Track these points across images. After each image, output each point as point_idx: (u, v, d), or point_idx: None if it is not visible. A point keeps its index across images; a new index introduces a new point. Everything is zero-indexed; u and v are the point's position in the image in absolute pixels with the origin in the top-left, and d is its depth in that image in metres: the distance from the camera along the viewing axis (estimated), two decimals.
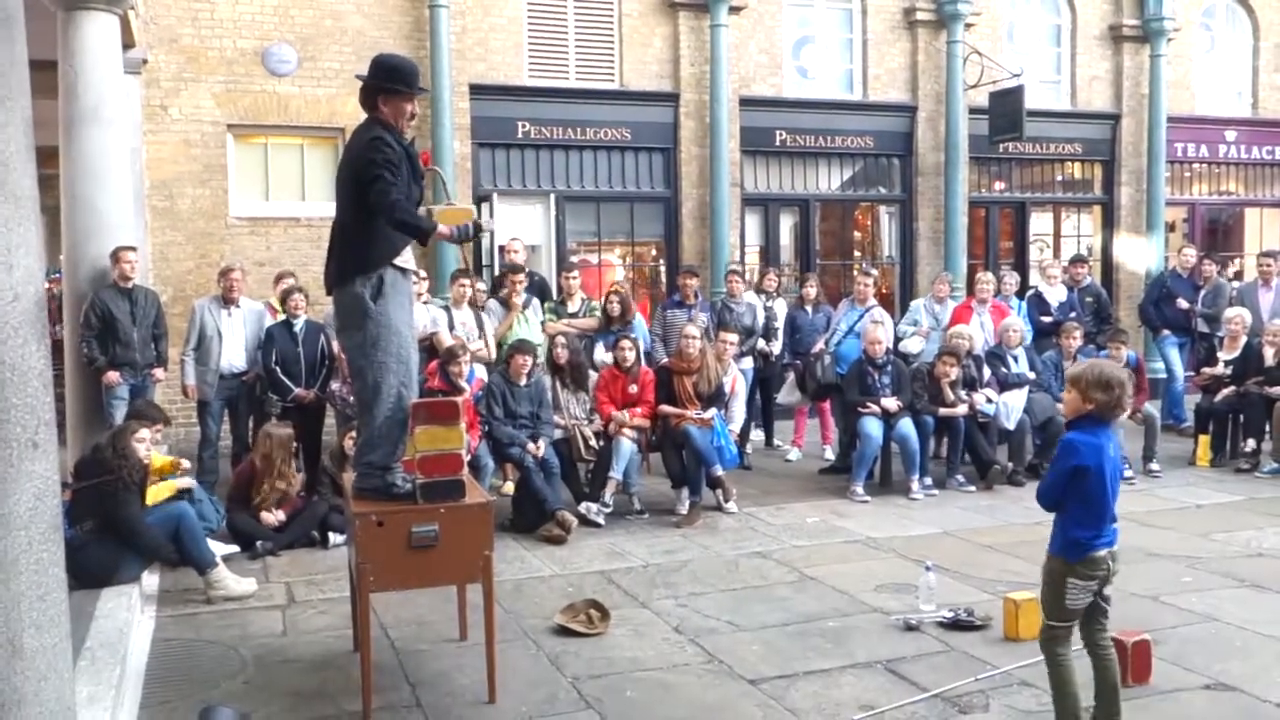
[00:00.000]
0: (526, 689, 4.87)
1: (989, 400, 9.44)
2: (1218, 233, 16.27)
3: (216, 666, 5.24)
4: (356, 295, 4.61)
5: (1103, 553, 4.09)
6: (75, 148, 8.16)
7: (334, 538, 7.38)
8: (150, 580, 6.55)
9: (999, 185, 14.88)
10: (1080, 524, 4.09)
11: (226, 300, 8.87)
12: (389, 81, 4.66)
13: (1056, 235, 15.38)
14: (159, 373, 8.57)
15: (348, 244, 4.67)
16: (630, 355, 8.60)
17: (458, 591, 5.52)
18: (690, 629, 5.69)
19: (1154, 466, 9.72)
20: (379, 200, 4.45)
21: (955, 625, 5.58)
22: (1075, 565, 4.08)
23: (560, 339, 8.79)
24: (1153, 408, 10.15)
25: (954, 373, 9.27)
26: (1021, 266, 14.52)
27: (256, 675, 5.12)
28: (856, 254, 14.44)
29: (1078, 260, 12.08)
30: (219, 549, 6.75)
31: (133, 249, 8.34)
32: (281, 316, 8.99)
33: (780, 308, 10.72)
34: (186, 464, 7.46)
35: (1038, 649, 5.04)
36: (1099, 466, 4.05)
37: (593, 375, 8.92)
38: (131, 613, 5.67)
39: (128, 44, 9.17)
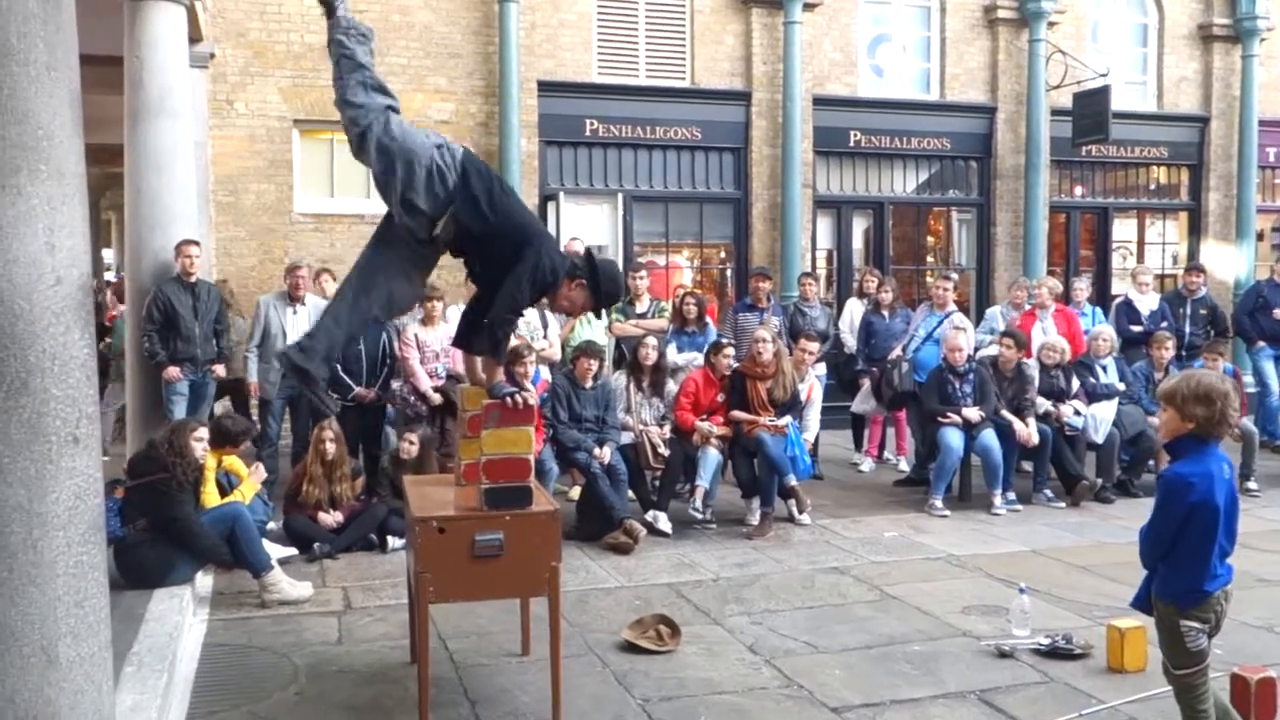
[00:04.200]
0: (592, 709, 4.58)
1: (1076, 412, 8.98)
2: None
3: (268, 675, 5.00)
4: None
5: (1217, 593, 3.64)
6: (140, 139, 8.03)
7: (393, 541, 7.15)
8: (204, 582, 6.36)
9: (1080, 190, 14.35)
10: (1194, 568, 3.60)
11: (292, 298, 8.69)
12: (600, 287, 4.51)
13: (1141, 242, 14.81)
14: (219, 369, 8.43)
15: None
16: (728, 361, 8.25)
17: (521, 603, 5.23)
18: (766, 649, 5.35)
19: (1251, 485, 9.18)
20: (507, 322, 4.42)
21: (1053, 653, 5.17)
22: (1189, 610, 3.63)
23: (651, 340, 8.47)
24: (1249, 423, 9.61)
25: (1011, 355, 8.83)
26: (1104, 274, 14.01)
27: (309, 686, 4.87)
28: (929, 260, 14.00)
29: (1194, 269, 11.46)
30: (275, 551, 6.55)
31: (196, 243, 8.19)
32: None
33: (855, 308, 10.34)
34: (262, 473, 7.22)
35: (1145, 682, 4.70)
36: (1212, 501, 3.54)
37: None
38: (183, 615, 5.47)
39: (195, 38, 9.05)
